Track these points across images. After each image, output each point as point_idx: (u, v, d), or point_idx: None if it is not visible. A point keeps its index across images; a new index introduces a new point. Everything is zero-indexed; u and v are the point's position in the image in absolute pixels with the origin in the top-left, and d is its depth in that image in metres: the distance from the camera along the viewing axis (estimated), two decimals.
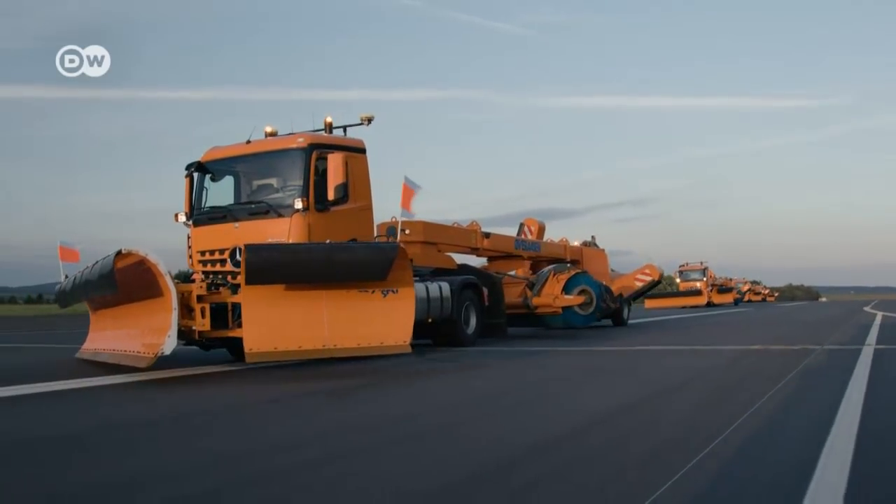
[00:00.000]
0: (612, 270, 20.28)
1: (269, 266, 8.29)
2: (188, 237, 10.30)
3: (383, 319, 8.42)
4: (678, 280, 51.65)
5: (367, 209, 10.65)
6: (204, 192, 10.54)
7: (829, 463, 3.44)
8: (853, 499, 2.91)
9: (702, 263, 50.98)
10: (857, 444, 3.87)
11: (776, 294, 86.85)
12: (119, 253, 7.80)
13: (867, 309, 33.03)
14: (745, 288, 66.63)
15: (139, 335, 8.45)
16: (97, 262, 8.49)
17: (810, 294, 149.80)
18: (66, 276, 10.67)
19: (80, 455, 4.17)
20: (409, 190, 9.80)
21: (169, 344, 7.68)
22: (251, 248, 8.30)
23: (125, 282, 7.98)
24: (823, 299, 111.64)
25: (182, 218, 10.40)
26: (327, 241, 9.06)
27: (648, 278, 19.86)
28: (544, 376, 8.33)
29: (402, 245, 8.99)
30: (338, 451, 4.09)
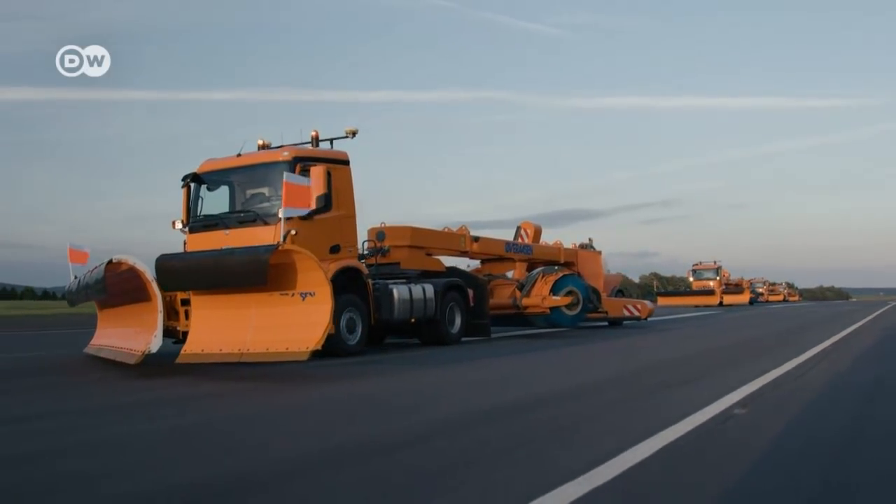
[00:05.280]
0: (608, 271, 20.81)
1: (171, 273, 8.63)
2: (184, 243, 11.10)
3: (298, 324, 8.24)
4: (691, 279, 51.76)
5: (351, 217, 11.41)
6: (200, 202, 11.34)
7: None
8: None
9: (715, 262, 50.93)
10: None
11: (796, 294, 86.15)
12: (110, 262, 8.67)
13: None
14: (763, 288, 66.56)
15: (133, 334, 9.29)
16: (95, 267, 9.36)
17: (841, 295, 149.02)
18: (75, 278, 11.50)
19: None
20: (295, 186, 9.33)
21: (155, 343, 8.48)
22: (160, 258, 8.75)
23: (116, 287, 8.82)
24: (854, 300, 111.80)
25: (179, 225, 11.23)
26: (222, 248, 9.43)
27: (636, 314, 19.80)
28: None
29: (293, 248, 8.77)
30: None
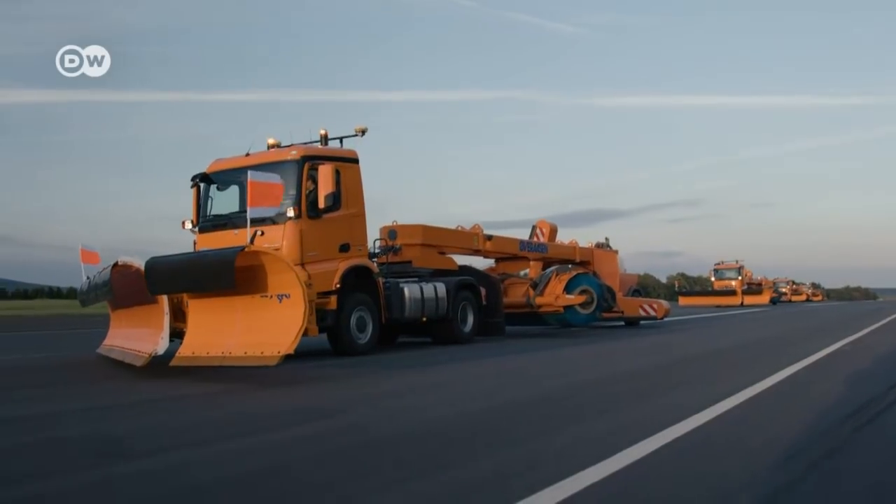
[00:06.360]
0: (625, 271, 20.59)
1: (154, 276, 8.39)
2: (194, 243, 11.08)
3: (275, 327, 7.92)
4: (713, 279, 51.23)
5: (360, 216, 11.34)
6: (209, 201, 11.31)
7: None
8: None
9: (737, 262, 50.41)
10: None
11: (820, 294, 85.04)
12: (116, 264, 8.63)
13: None
14: (787, 288, 65.83)
15: (140, 336, 9.25)
16: (104, 268, 9.35)
17: (868, 295, 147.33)
18: (87, 278, 11.51)
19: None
20: (262, 184, 8.88)
21: (162, 345, 8.36)
22: (149, 261, 8.54)
23: (124, 289, 8.77)
24: (880, 299, 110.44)
25: (188, 225, 11.20)
26: (200, 250, 9.15)
27: (652, 313, 19.58)
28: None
29: (260, 249, 8.52)
30: None
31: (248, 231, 9.05)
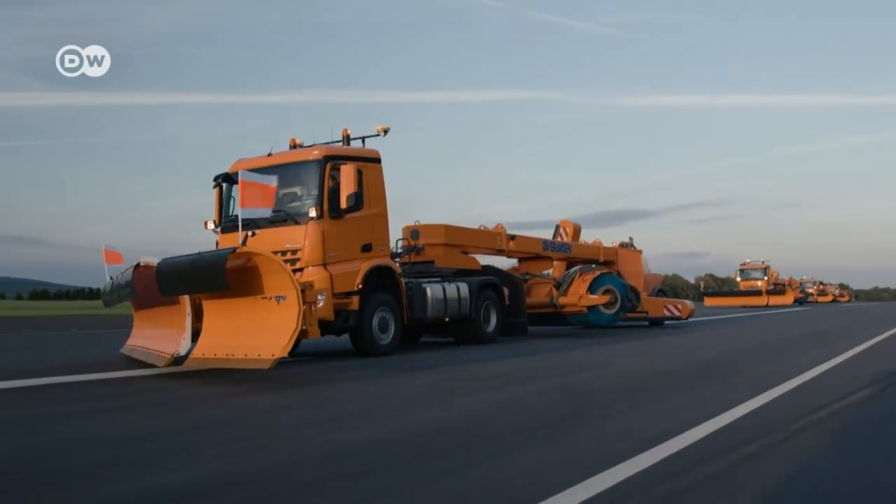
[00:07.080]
0: (649, 271, 20.41)
1: (163, 278, 8.30)
2: (216, 244, 11.06)
3: (272, 329, 7.76)
4: (738, 279, 50.67)
5: (382, 215, 11.26)
6: (232, 202, 11.29)
7: None
8: None
9: (763, 262, 49.83)
10: None
11: (847, 295, 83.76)
12: (138, 265, 8.62)
13: None
14: (813, 289, 64.95)
15: (162, 336, 9.23)
16: (126, 269, 9.35)
17: None
18: (111, 279, 11.53)
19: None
20: (254, 185, 8.64)
21: (184, 346, 8.34)
22: (160, 262, 8.44)
23: (146, 290, 8.74)
24: None
25: (211, 225, 11.19)
26: (200, 252, 9.00)
27: (677, 313, 19.44)
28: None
29: (252, 250, 8.29)
30: None
31: (240, 232, 8.97)
